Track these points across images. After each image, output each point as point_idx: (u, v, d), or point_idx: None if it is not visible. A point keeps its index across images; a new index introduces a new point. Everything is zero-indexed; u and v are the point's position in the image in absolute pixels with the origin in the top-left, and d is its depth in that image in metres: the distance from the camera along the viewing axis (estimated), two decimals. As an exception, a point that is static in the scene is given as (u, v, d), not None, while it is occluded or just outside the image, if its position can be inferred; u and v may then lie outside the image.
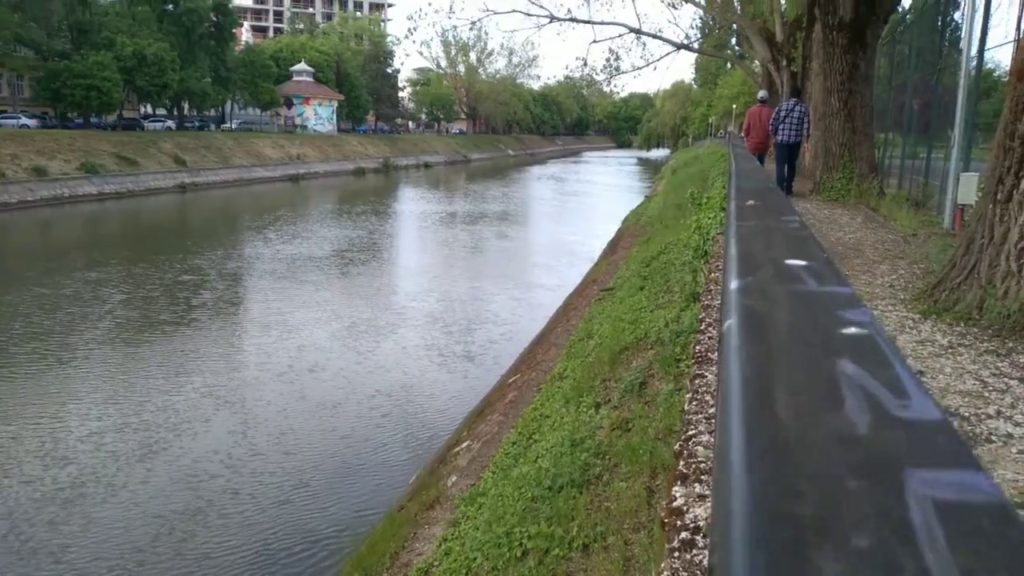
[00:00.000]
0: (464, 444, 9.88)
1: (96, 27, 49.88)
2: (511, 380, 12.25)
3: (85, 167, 40.87)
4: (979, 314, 4.06)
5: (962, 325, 4.07)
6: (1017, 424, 2.80)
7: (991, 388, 3.22)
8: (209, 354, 13.09)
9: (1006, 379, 3.35)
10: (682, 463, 2.26)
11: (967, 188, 7.77)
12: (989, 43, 8.47)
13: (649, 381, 7.00)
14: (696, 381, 3.34)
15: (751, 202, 2.05)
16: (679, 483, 2.10)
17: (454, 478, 8.36)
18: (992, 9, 8.44)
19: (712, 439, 2.31)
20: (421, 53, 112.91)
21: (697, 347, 3.97)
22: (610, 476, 4.98)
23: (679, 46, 28.25)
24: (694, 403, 3.06)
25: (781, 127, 12.47)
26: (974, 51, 8.17)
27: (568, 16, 26.32)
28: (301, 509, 7.99)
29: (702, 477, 2.10)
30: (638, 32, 26.44)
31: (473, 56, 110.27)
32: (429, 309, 16.56)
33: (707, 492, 2.00)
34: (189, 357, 12.88)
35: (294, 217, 33.91)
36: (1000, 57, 9.34)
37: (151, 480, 8.50)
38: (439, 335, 14.63)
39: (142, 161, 45.85)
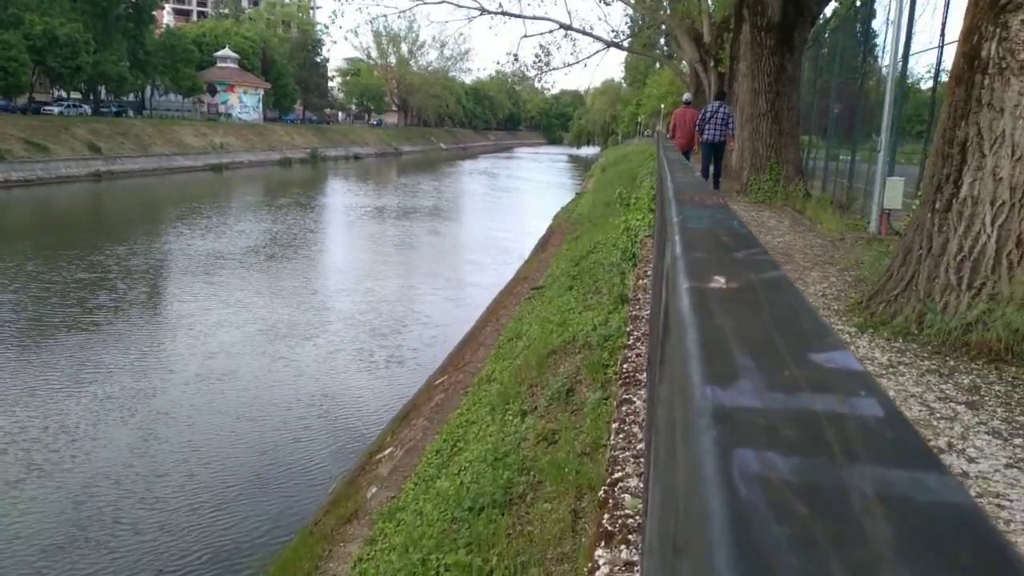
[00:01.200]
0: (387, 451, 9.50)
1: (2, 3, 47.01)
2: (438, 382, 11.92)
3: (-11, 152, 38.53)
4: (918, 329, 3.92)
5: (901, 341, 3.92)
6: (971, 460, 2.62)
7: (938, 415, 3.05)
8: (107, 361, 12.09)
9: (952, 404, 3.19)
10: (606, 516, 1.97)
11: (893, 192, 7.81)
12: (913, 48, 8.53)
13: (576, 388, 6.78)
14: (623, 408, 3.06)
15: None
16: (602, 544, 1.81)
17: (374, 489, 7.98)
18: (916, 15, 8.51)
19: (641, 484, 2.05)
20: (347, 40, 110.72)
21: (625, 365, 3.69)
22: (534, 496, 4.71)
23: (609, 44, 28.29)
24: (620, 435, 2.78)
25: (707, 127, 12.92)
26: (899, 56, 8.21)
27: (499, 9, 26.04)
28: (208, 532, 7.44)
29: (629, 537, 1.82)
30: (568, 28, 26.35)
31: (404, 48, 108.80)
32: (353, 308, 16.02)
33: (635, 559, 1.72)
34: (83, 364, 11.84)
35: (213, 209, 32.61)
36: (919, 63, 9.46)
37: (30, 507, 7.74)
38: (363, 335, 14.14)
39: (53, 147, 43.48)
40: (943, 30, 7.65)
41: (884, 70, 11.75)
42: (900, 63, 8.17)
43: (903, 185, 7.83)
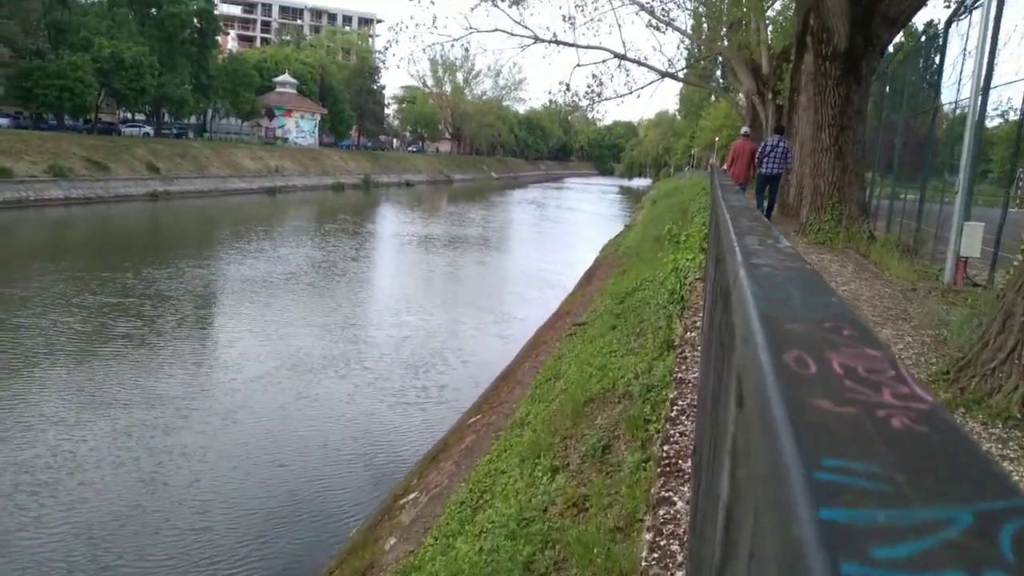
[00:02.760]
0: (411, 496, 8.99)
1: (74, 27, 48.73)
2: (471, 421, 11.41)
3: (53, 170, 39.60)
4: (1022, 413, 3.24)
5: (1001, 426, 3.24)
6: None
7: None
8: (133, 387, 11.76)
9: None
10: None
11: (971, 239, 7.06)
12: (995, 81, 7.79)
13: (613, 444, 6.19)
14: (660, 512, 2.45)
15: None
16: None
17: (392, 540, 7.45)
18: (999, 45, 7.79)
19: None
20: (400, 67, 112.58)
21: (666, 446, 3.08)
22: (556, 578, 4.12)
23: (663, 74, 27.76)
24: (655, 554, 2.17)
25: (766, 160, 13.18)
26: (979, 89, 7.49)
27: (552, 38, 25.74)
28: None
29: None
30: (622, 58, 25.90)
31: (460, 76, 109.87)
32: (391, 341, 15.60)
33: None
34: (106, 389, 11.56)
35: (262, 232, 32.81)
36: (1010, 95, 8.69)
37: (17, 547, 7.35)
38: (399, 369, 13.70)
39: (113, 166, 44.62)
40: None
41: (948, 106, 11.00)
42: (980, 96, 7.45)
43: (982, 231, 7.09)
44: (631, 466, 5.23)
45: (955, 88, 10.07)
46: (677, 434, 3.14)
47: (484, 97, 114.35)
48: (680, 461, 2.68)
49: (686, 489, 2.53)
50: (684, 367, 4.41)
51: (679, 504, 2.44)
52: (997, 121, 10.46)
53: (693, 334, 5.21)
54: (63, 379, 12.08)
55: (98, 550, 7.21)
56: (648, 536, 2.27)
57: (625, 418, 6.32)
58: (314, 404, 11.47)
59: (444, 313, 18.62)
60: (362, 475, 9.66)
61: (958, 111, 10.64)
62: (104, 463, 9.01)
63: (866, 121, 12.44)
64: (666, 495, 2.61)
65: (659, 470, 2.65)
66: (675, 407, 3.58)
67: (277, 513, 8.27)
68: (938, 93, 11.01)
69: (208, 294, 19.34)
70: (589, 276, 22.90)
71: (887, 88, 15.33)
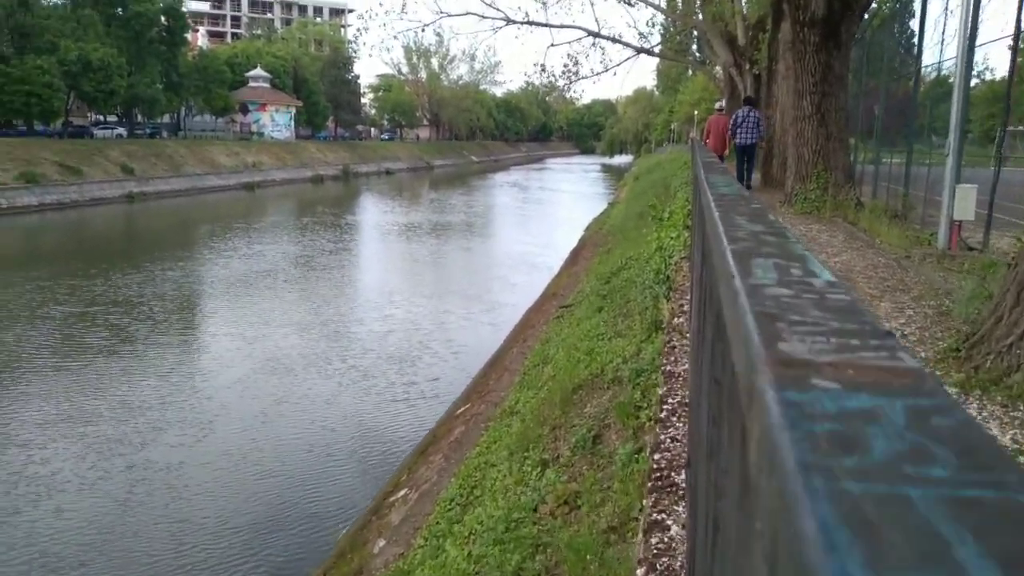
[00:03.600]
0: (401, 493, 8.75)
1: (38, 31, 47.65)
2: (460, 411, 11.18)
3: (25, 176, 38.84)
4: (1047, 392, 2.97)
5: (1023, 407, 2.98)
6: None
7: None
8: (104, 399, 11.25)
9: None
10: None
11: (964, 202, 6.82)
12: (980, 39, 7.53)
13: (604, 434, 5.95)
14: (652, 540, 2.14)
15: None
16: None
17: (381, 543, 7.20)
18: (982, 3, 7.52)
19: None
20: (372, 56, 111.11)
21: (657, 455, 2.79)
22: (548, 587, 3.87)
23: (639, 50, 27.39)
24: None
25: (739, 131, 14.10)
26: (967, 46, 7.22)
27: (524, 19, 25.30)
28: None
29: None
30: (596, 35, 25.52)
31: (435, 62, 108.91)
32: (376, 334, 15.27)
33: None
34: (76, 403, 11.05)
35: (240, 229, 32.26)
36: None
37: None
38: (384, 363, 13.41)
39: (87, 170, 43.86)
40: (1019, 16, 6.67)
41: (929, 68, 10.76)
42: (967, 54, 7.18)
43: (975, 193, 6.85)
44: (623, 458, 4.99)
45: (938, 48, 9.83)
46: (668, 439, 2.85)
47: (461, 82, 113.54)
48: (673, 473, 2.39)
49: (681, 509, 2.25)
50: (673, 358, 4.13)
51: (674, 529, 2.14)
52: (974, 82, 10.29)
53: (681, 320, 4.94)
54: (30, 394, 11.65)
55: (73, 573, 6.92)
56: (640, 572, 1.97)
57: (615, 405, 6.09)
58: (296, 407, 11.08)
59: (429, 303, 18.32)
60: (351, 475, 9.40)
61: (942, 72, 10.42)
62: (73, 485, 8.61)
63: (848, 87, 12.18)
64: (659, 518, 2.31)
65: (650, 484, 2.36)
66: (665, 406, 3.29)
67: (262, 523, 7.99)
68: (920, 54, 10.75)
69: (182, 297, 18.75)
70: (575, 256, 22.64)
71: (866, 53, 15.07)
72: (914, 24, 11.91)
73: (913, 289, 5.31)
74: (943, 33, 9.83)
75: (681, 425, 2.90)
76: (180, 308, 17.70)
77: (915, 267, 6.09)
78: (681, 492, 2.25)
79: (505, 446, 7.31)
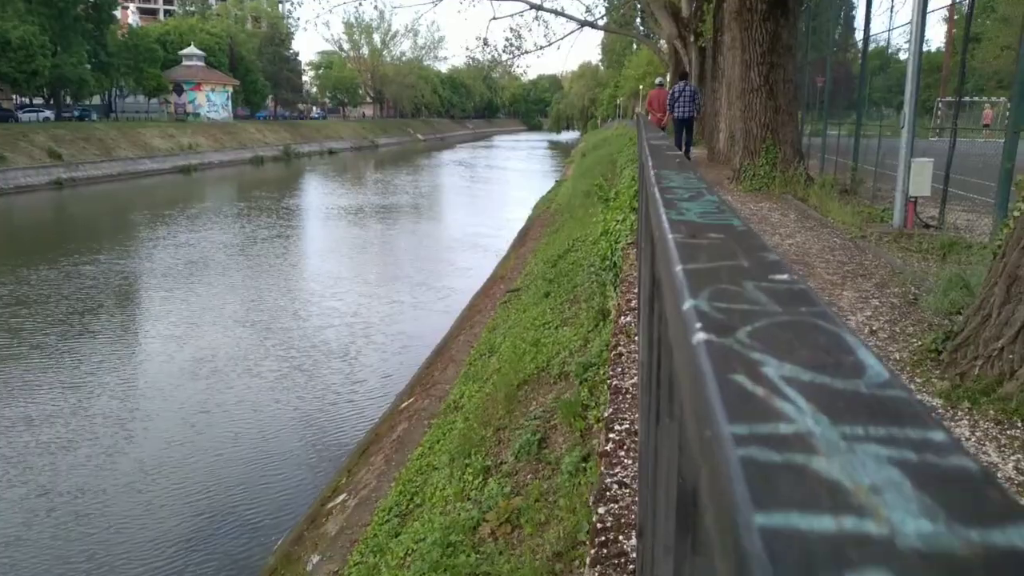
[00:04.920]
0: (339, 499, 8.24)
1: (-49, 9, 45.00)
2: (403, 406, 10.69)
3: (-59, 164, 36.74)
4: (1046, 403, 2.56)
5: (1021, 424, 2.56)
6: None
7: None
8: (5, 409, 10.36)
9: None
10: None
11: (920, 177, 6.51)
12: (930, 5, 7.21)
13: (550, 436, 5.54)
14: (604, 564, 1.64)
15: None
16: None
17: (316, 558, 6.68)
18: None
19: None
20: (307, 31, 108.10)
21: (601, 508, 2.30)
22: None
23: (582, 23, 26.88)
24: None
25: (677, 105, 14.84)
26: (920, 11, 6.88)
27: (465, -9, 24.54)
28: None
29: None
30: (539, 8, 24.92)
31: (377, 38, 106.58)
32: (319, 326, 14.57)
33: None
34: None
35: (175, 215, 30.92)
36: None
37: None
38: (323, 357, 12.79)
39: (10, 156, 41.68)
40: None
41: (868, 39, 10.51)
42: (920, 20, 6.85)
43: (932, 168, 6.55)
44: (569, 467, 4.58)
45: (887, 16, 9.57)
46: (615, 485, 2.38)
47: (404, 58, 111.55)
48: (622, 537, 1.91)
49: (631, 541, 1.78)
50: (620, 370, 3.67)
51: (633, 556, 1.67)
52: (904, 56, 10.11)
53: (628, 319, 4.48)
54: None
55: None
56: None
57: (561, 405, 5.67)
58: (229, 412, 10.27)
59: (374, 291, 17.67)
60: (289, 481, 8.84)
61: (884, 44, 10.17)
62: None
63: (796, 57, 11.85)
64: (611, 542, 1.82)
65: (593, 552, 1.88)
66: (610, 435, 2.80)
67: (188, 539, 7.38)
68: (868, 22, 10.46)
69: (104, 294, 17.37)
70: (523, 236, 22.22)
71: (811, 23, 14.84)
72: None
73: (875, 275, 4.94)
74: (892, 1, 9.56)
75: (631, 464, 2.42)
76: (100, 306, 16.27)
77: (872, 248, 5.76)
78: (631, 566, 1.76)
79: (446, 450, 6.85)
